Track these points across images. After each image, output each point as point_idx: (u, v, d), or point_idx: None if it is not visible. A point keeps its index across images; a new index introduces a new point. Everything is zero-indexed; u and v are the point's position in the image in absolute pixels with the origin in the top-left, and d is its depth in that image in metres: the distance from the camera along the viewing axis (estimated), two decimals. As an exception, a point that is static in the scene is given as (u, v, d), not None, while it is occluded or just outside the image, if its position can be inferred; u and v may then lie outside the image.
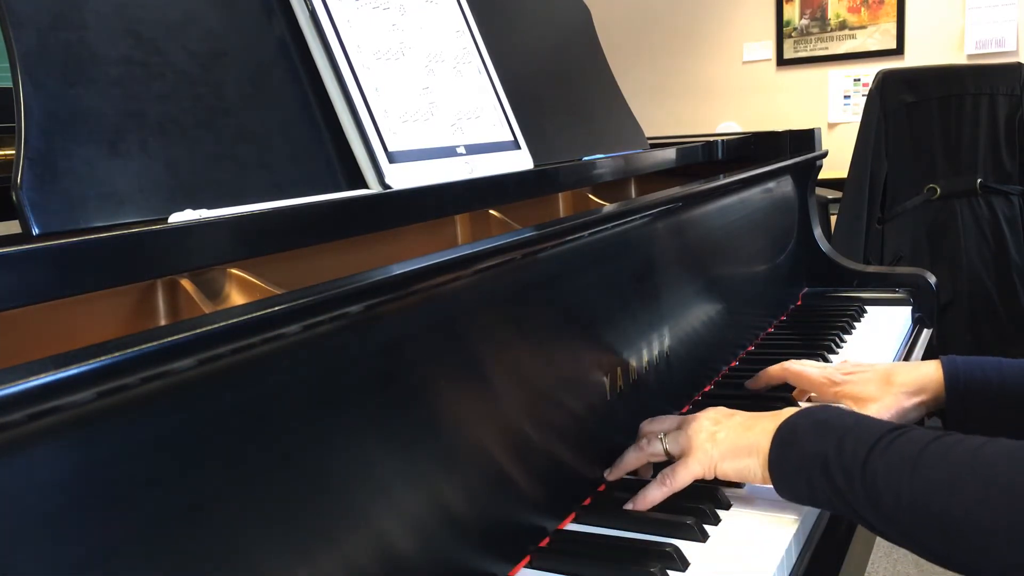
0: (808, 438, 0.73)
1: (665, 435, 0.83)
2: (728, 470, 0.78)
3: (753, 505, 0.79)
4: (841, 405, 0.94)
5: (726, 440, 0.79)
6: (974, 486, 0.62)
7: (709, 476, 0.79)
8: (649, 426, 0.87)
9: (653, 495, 0.79)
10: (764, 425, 0.77)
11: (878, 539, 0.76)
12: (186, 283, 0.60)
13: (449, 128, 0.86)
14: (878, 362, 1.03)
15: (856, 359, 1.12)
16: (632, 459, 0.85)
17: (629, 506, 0.79)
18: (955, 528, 0.62)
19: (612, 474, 0.85)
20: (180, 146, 0.63)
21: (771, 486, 0.76)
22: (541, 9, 1.19)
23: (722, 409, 0.84)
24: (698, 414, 0.84)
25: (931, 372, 0.94)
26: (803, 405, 0.79)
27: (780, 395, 1.05)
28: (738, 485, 0.82)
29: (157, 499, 0.44)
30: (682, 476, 0.79)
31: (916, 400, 0.94)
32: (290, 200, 0.67)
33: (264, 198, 0.66)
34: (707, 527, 0.75)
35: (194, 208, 0.61)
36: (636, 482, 0.85)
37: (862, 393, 0.96)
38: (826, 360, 1.19)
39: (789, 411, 0.78)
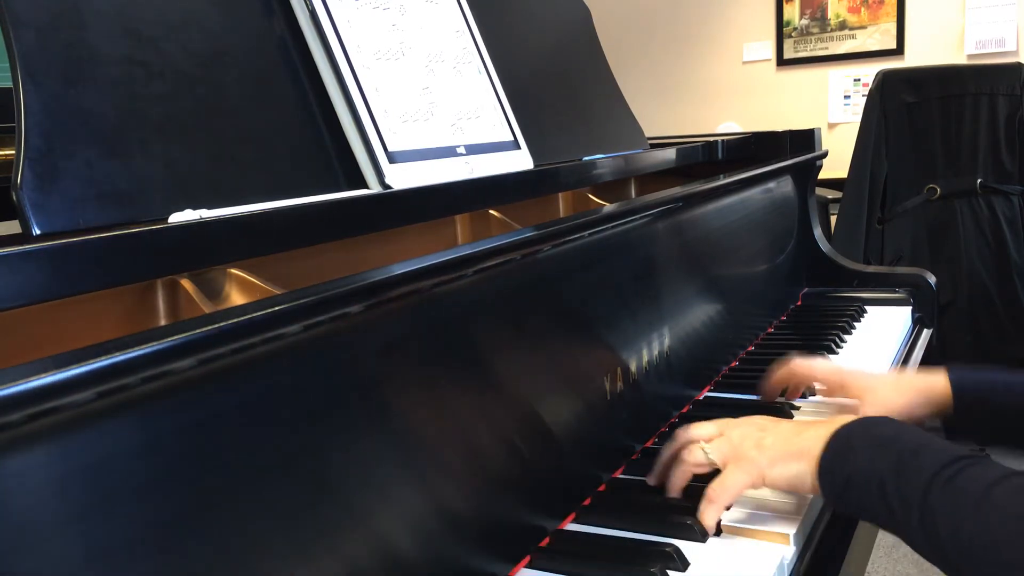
0: (865, 452, 0.70)
1: (707, 443, 0.78)
2: (777, 478, 0.74)
3: (753, 506, 0.79)
4: (848, 400, 0.96)
5: (774, 447, 0.75)
6: None
7: (758, 485, 0.75)
8: (687, 433, 0.81)
9: (709, 515, 0.74)
10: (816, 431, 0.74)
11: (878, 539, 0.76)
12: (186, 283, 0.60)
13: (449, 128, 0.85)
14: (884, 372, 1.04)
15: (856, 361, 1.11)
16: (678, 478, 0.79)
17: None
18: (1014, 573, 0.59)
19: (652, 479, 0.82)
20: (180, 146, 0.63)
21: (816, 495, 0.73)
22: (541, 9, 1.19)
23: (767, 417, 0.81)
24: (740, 420, 0.81)
25: (939, 380, 0.94)
26: (850, 417, 0.76)
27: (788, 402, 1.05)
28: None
29: (157, 499, 0.44)
30: (730, 487, 0.74)
31: (921, 402, 0.94)
32: (290, 200, 0.67)
33: (264, 198, 0.66)
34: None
35: (194, 208, 0.60)
36: (634, 481, 0.85)
37: (868, 384, 0.97)
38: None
39: (844, 418, 0.74)
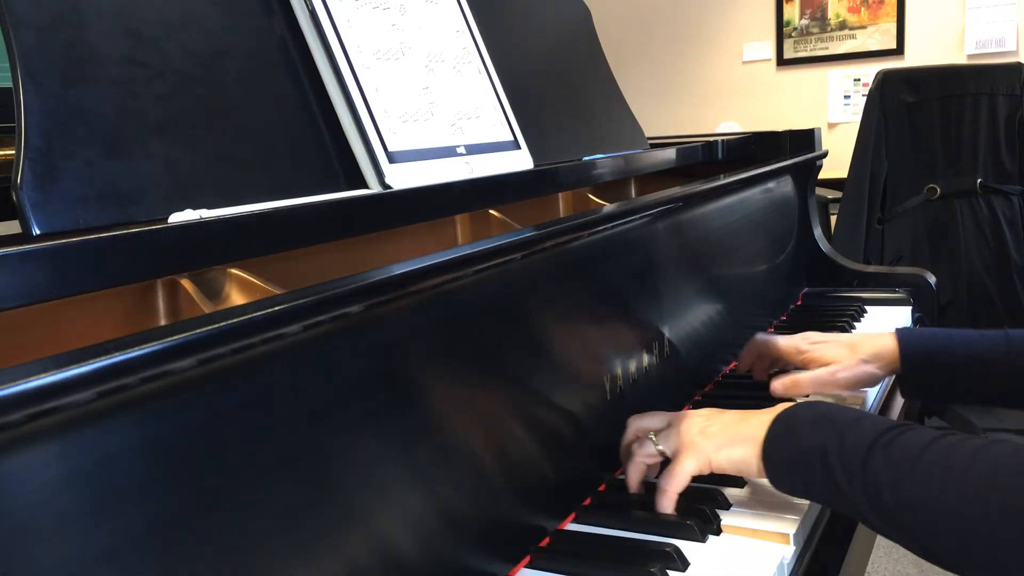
0: (807, 430, 0.72)
1: (656, 434, 0.81)
2: (723, 461, 0.77)
3: (753, 506, 0.79)
4: (809, 373, 1.01)
5: (719, 432, 0.78)
6: (975, 485, 0.61)
7: (705, 470, 0.78)
8: (637, 422, 0.85)
9: (664, 504, 0.77)
10: (760, 417, 0.77)
11: (878, 539, 0.76)
12: (186, 283, 0.60)
13: (449, 128, 0.86)
14: (841, 335, 1.10)
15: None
16: (633, 473, 0.82)
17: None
18: (955, 527, 0.62)
19: (634, 491, 0.83)
20: (180, 146, 0.63)
21: (766, 480, 0.75)
22: (541, 9, 1.19)
23: (713, 408, 0.83)
24: (687, 411, 0.83)
25: (888, 343, 1.01)
26: (790, 403, 0.79)
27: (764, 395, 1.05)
28: (738, 484, 0.82)
29: (157, 499, 0.44)
30: (679, 475, 0.77)
31: (874, 365, 1.00)
32: (290, 200, 0.67)
33: (264, 198, 0.66)
34: (707, 527, 0.75)
35: (194, 208, 0.60)
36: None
37: (825, 356, 1.02)
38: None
39: (785, 404, 0.77)
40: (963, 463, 0.63)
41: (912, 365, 1.00)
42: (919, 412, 3.16)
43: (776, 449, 0.74)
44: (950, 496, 0.62)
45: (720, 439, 0.77)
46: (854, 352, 1.01)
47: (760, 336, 1.11)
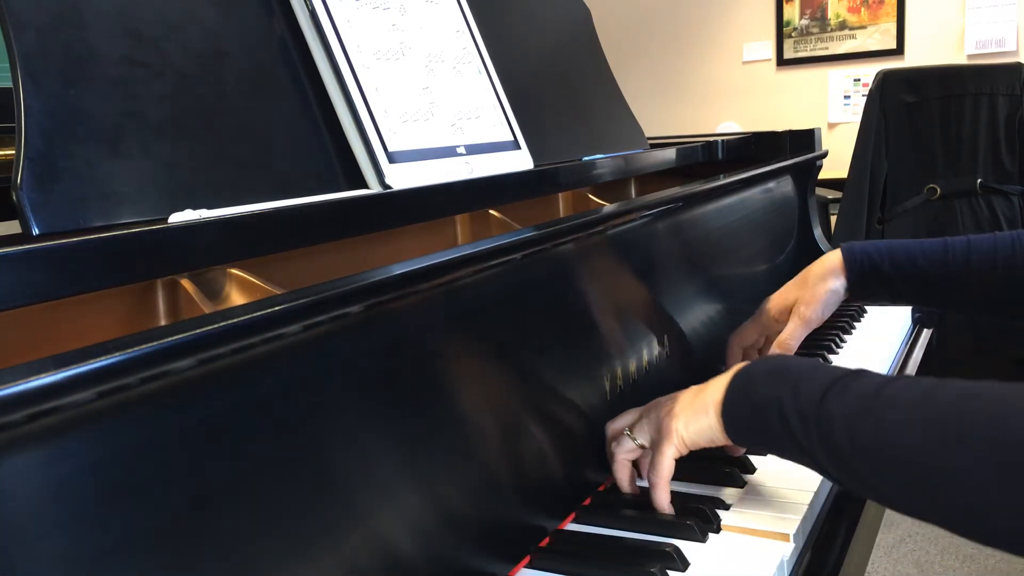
0: (763, 382, 0.72)
1: (631, 429, 0.81)
2: (695, 436, 0.77)
3: (753, 505, 0.79)
4: (784, 330, 1.05)
5: (684, 408, 0.78)
6: (925, 426, 0.61)
7: (683, 450, 0.77)
8: (612, 425, 0.85)
9: (659, 498, 0.77)
10: (717, 382, 0.77)
11: (878, 539, 0.76)
12: (186, 283, 0.60)
13: (449, 128, 0.86)
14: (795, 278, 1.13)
15: (856, 362, 1.15)
16: (620, 473, 0.82)
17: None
18: (908, 469, 0.61)
19: (628, 491, 0.83)
20: (180, 146, 0.63)
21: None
22: (541, 9, 1.19)
23: (674, 394, 0.83)
24: (648, 407, 0.83)
25: (833, 256, 1.07)
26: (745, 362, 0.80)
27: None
28: (738, 484, 0.82)
29: (157, 499, 0.44)
30: (662, 464, 0.77)
31: (830, 283, 1.05)
32: (290, 200, 0.67)
33: (264, 198, 0.66)
34: (707, 527, 0.75)
35: (194, 208, 0.61)
36: (637, 486, 0.85)
37: (787, 301, 1.07)
38: (825, 360, 1.19)
39: (741, 364, 0.78)
40: (913, 406, 0.62)
41: (857, 276, 1.05)
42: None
43: (733, 407, 0.74)
44: (904, 437, 0.61)
45: (686, 415, 0.77)
46: (806, 282, 1.07)
47: (733, 338, 1.12)
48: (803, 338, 1.05)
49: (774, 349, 1.04)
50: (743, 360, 1.12)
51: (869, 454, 0.63)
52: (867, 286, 1.06)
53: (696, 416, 0.77)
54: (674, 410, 0.78)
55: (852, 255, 1.06)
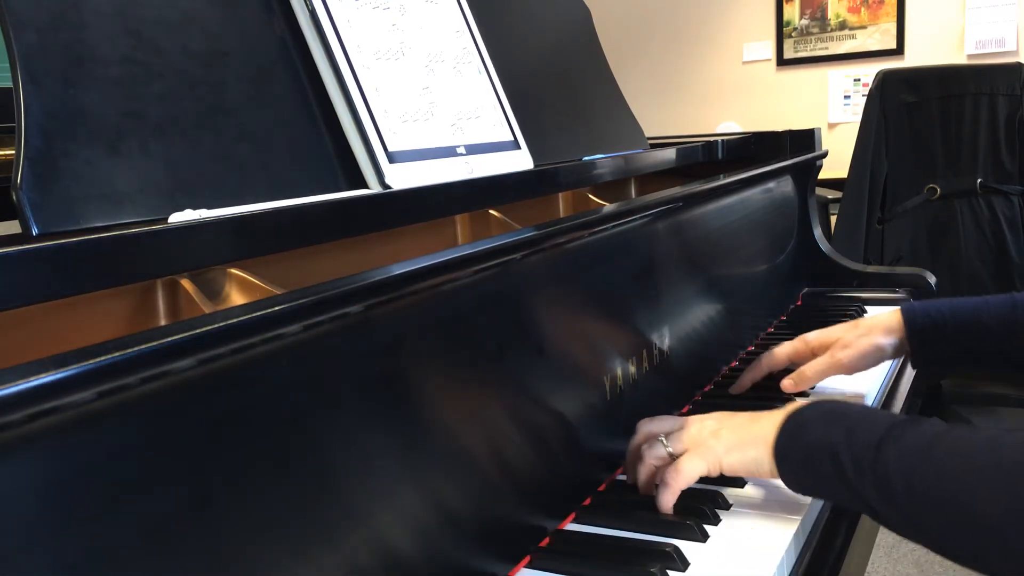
0: (817, 427, 0.72)
1: (667, 436, 0.80)
2: (734, 463, 0.76)
3: (753, 506, 0.79)
4: (813, 362, 1.02)
5: (731, 434, 0.77)
6: (986, 474, 0.60)
7: (715, 472, 0.77)
8: (648, 426, 0.84)
9: (666, 501, 0.76)
10: (770, 418, 0.76)
11: (878, 539, 0.76)
12: (186, 283, 0.60)
13: (449, 128, 0.86)
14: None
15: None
16: (643, 474, 0.81)
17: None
18: (965, 517, 0.61)
19: (644, 492, 0.82)
20: (180, 146, 0.63)
21: (777, 481, 0.75)
22: (541, 9, 1.19)
23: (723, 412, 0.83)
24: (698, 415, 0.83)
25: (893, 316, 1.02)
26: (802, 401, 0.79)
27: (779, 396, 1.05)
28: (738, 484, 0.82)
29: (157, 499, 0.44)
30: (685, 473, 0.76)
31: (880, 338, 1.00)
32: (290, 200, 0.67)
33: (264, 198, 0.66)
34: (707, 527, 0.75)
35: (194, 208, 0.61)
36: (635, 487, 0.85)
37: (830, 338, 1.03)
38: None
39: (797, 404, 0.77)
40: (976, 454, 0.62)
41: (919, 337, 0.99)
42: (919, 412, 3.16)
43: (787, 448, 0.73)
44: (963, 488, 0.61)
45: (731, 440, 0.76)
46: (856, 329, 1.01)
47: (765, 355, 1.08)
48: (826, 378, 1.02)
49: (792, 376, 1.01)
50: (751, 383, 1.09)
51: (928, 502, 0.62)
52: (929, 349, 0.99)
53: (743, 447, 0.76)
54: (720, 433, 0.78)
55: (912, 314, 1.00)
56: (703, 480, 0.80)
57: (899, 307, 1.02)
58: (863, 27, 4.04)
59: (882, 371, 1.18)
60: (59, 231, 0.54)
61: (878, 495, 0.66)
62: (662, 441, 0.80)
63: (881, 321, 1.01)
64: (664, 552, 0.70)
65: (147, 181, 0.60)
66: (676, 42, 4.49)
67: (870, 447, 0.67)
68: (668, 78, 4.51)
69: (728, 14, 4.36)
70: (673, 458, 0.79)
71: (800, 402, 0.77)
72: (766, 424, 0.76)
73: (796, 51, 4.20)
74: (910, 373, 1.21)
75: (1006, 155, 2.66)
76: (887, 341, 1.00)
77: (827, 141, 1.70)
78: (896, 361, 1.25)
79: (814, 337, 1.05)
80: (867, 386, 1.10)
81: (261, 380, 0.50)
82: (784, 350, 1.07)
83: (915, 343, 0.99)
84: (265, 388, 0.50)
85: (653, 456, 0.80)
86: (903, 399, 1.13)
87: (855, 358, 1.00)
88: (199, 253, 0.57)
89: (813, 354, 1.04)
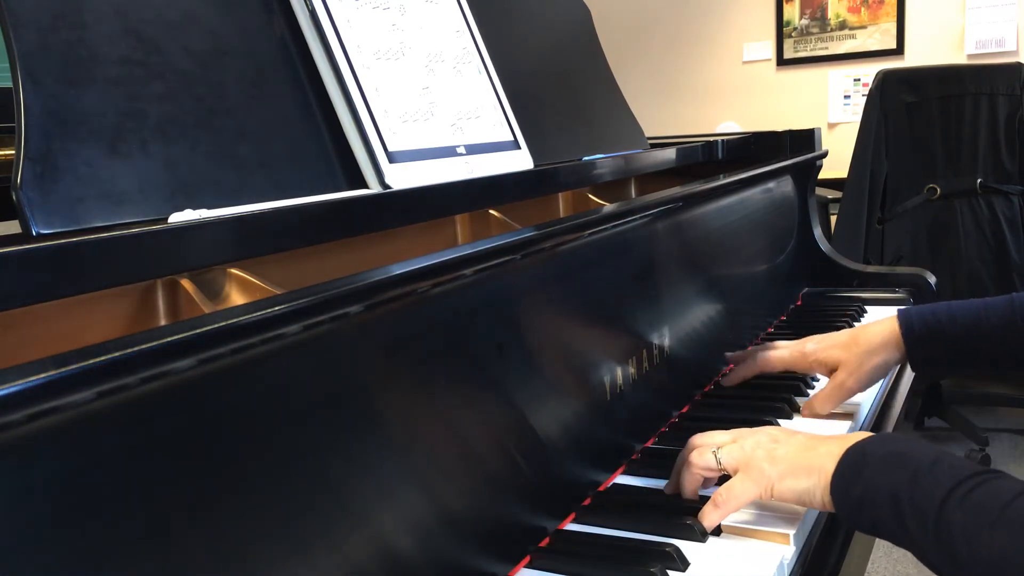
0: (879, 467, 0.68)
1: (719, 448, 0.78)
2: (786, 492, 0.73)
3: (754, 506, 0.79)
4: (819, 393, 1.00)
5: (786, 459, 0.74)
6: None
7: (766, 497, 0.74)
8: (702, 438, 0.81)
9: (711, 519, 0.74)
10: (828, 447, 0.73)
11: (877, 540, 0.76)
12: (186, 283, 0.60)
13: (449, 128, 0.86)
14: (843, 331, 1.07)
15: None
16: (689, 483, 0.79)
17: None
18: None
19: (668, 488, 0.82)
20: (180, 146, 0.63)
21: (826, 510, 0.73)
22: (541, 9, 1.19)
23: (782, 428, 0.81)
24: (754, 429, 0.80)
25: (889, 326, 1.00)
26: (864, 434, 0.74)
27: (776, 395, 1.05)
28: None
29: (157, 499, 0.44)
30: (739, 496, 0.74)
31: (881, 357, 0.99)
32: (290, 200, 0.67)
33: (264, 198, 0.66)
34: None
35: (194, 208, 0.61)
36: (637, 486, 0.85)
37: (830, 358, 1.01)
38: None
39: (858, 435, 0.73)
40: None
41: (918, 345, 0.98)
42: (919, 412, 3.15)
43: (845, 485, 0.70)
44: None
45: (785, 467, 0.73)
46: (856, 347, 1.00)
47: (760, 354, 1.07)
48: (835, 407, 1.00)
49: (803, 412, 1.00)
50: (741, 380, 1.08)
51: (991, 570, 0.60)
52: (929, 356, 0.98)
53: (797, 476, 0.73)
54: (776, 454, 0.75)
55: (909, 323, 0.99)
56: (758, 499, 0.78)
57: (895, 315, 1.01)
58: (863, 27, 4.04)
59: (882, 371, 1.18)
60: (59, 231, 0.54)
61: (938, 552, 0.63)
62: (714, 453, 0.78)
63: (880, 336, 1.00)
64: (664, 552, 0.70)
65: (147, 181, 0.60)
66: (676, 42, 4.49)
67: (933, 502, 0.63)
68: (668, 78, 4.51)
69: (728, 14, 4.36)
70: (721, 471, 0.78)
71: (862, 435, 0.73)
72: (824, 454, 0.72)
73: (796, 51, 4.20)
74: (910, 374, 1.21)
75: (1006, 155, 2.66)
76: (890, 357, 1.00)
77: (827, 141, 1.70)
78: (896, 361, 1.25)
79: (812, 351, 1.03)
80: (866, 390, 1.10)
81: (261, 380, 0.50)
82: (781, 357, 1.06)
83: (914, 350, 0.99)
84: (265, 388, 0.50)
85: (701, 465, 0.78)
86: (902, 400, 1.13)
87: (863, 382, 0.99)
88: (199, 253, 0.57)
89: (810, 368, 1.04)
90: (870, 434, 0.74)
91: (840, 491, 0.70)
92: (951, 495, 0.63)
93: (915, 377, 1.21)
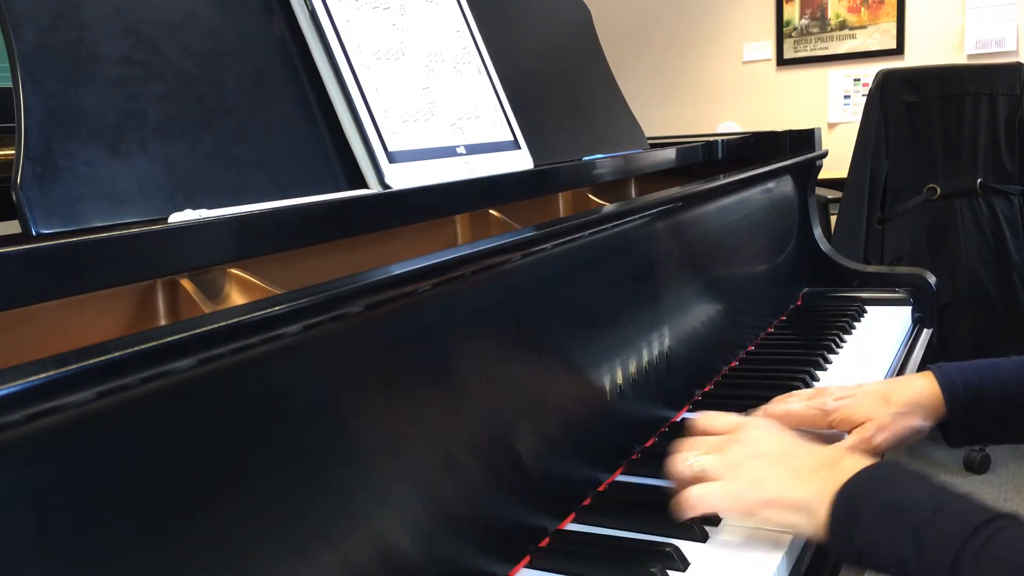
0: (878, 527, 0.63)
1: (702, 460, 0.74)
2: (771, 521, 0.70)
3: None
4: (845, 435, 0.87)
5: (772, 486, 0.70)
6: None
7: (745, 517, 0.72)
8: (704, 421, 0.78)
9: (680, 513, 0.72)
10: (822, 482, 0.67)
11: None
12: (186, 283, 0.61)
13: (449, 128, 0.86)
14: (865, 382, 0.95)
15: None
16: (674, 476, 0.76)
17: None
18: None
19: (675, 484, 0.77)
20: (180, 146, 0.63)
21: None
22: (541, 9, 1.19)
23: (768, 432, 0.75)
24: (742, 435, 0.75)
25: (927, 386, 0.87)
26: (852, 467, 0.68)
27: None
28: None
29: (157, 499, 0.44)
30: (715, 505, 0.72)
31: (916, 416, 0.87)
32: (290, 200, 0.67)
33: (264, 198, 0.66)
34: (707, 527, 0.75)
35: (194, 208, 0.61)
36: (634, 481, 0.85)
37: (857, 415, 0.87)
38: (825, 360, 1.19)
39: (849, 467, 0.68)
40: None
41: (960, 409, 0.86)
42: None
43: (843, 534, 0.65)
44: None
45: (771, 495, 0.69)
46: (888, 404, 0.87)
47: (775, 407, 0.93)
48: None
49: None
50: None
51: None
52: (972, 424, 0.86)
53: (784, 510, 0.69)
54: (762, 480, 0.70)
55: (951, 383, 0.86)
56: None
57: (933, 374, 0.88)
58: (863, 27, 4.04)
59: (881, 372, 1.18)
60: (59, 231, 0.54)
61: None
62: (694, 461, 0.74)
63: (917, 396, 0.87)
64: (664, 552, 0.70)
65: (147, 181, 0.60)
66: (676, 42, 4.49)
67: (944, 562, 0.58)
68: (668, 78, 4.51)
69: (728, 14, 4.36)
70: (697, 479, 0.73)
71: (854, 463, 0.68)
72: (814, 490, 0.67)
73: (796, 51, 4.20)
74: (914, 365, 1.21)
75: (1006, 155, 2.66)
76: (926, 421, 0.87)
77: (827, 141, 1.70)
78: (896, 361, 1.25)
79: (835, 408, 0.89)
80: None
81: (261, 380, 0.50)
82: (795, 414, 0.91)
83: (956, 414, 0.86)
84: (265, 388, 0.50)
85: (686, 465, 0.74)
86: (915, 367, 1.13)
87: (891, 443, 0.86)
88: (199, 253, 0.57)
89: (830, 427, 0.89)
90: (862, 460, 0.69)
91: (838, 540, 0.65)
92: (962, 554, 0.58)
93: (917, 371, 1.20)
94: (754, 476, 0.71)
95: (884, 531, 0.62)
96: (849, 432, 0.87)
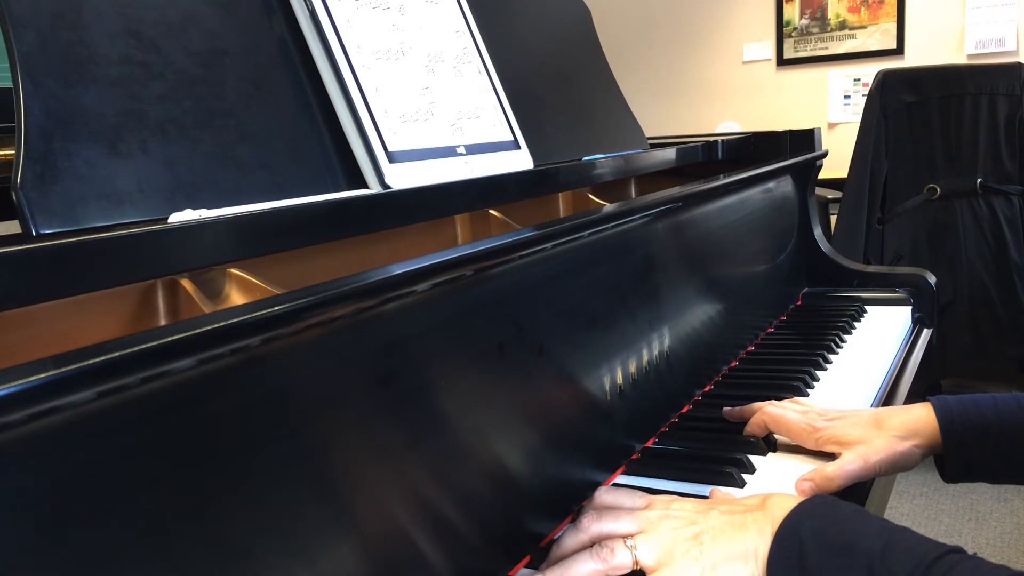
0: (822, 563, 0.60)
1: (634, 540, 0.68)
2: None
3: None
4: (838, 466, 0.82)
5: (714, 547, 0.66)
6: None
7: None
8: (599, 525, 0.70)
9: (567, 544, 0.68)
10: (757, 526, 0.66)
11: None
12: (186, 283, 0.61)
13: (449, 128, 0.86)
14: (862, 408, 0.93)
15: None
16: (570, 547, 0.70)
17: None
18: None
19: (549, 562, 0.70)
20: (180, 146, 0.63)
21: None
22: (541, 9, 1.19)
23: (691, 502, 0.72)
24: (667, 509, 0.71)
25: (923, 415, 0.85)
26: (782, 503, 0.67)
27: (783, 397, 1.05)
28: (738, 484, 0.82)
29: (156, 499, 0.44)
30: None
31: (909, 444, 0.84)
32: (290, 200, 0.67)
33: (264, 198, 0.66)
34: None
35: (194, 208, 0.61)
36: (633, 482, 0.85)
37: (847, 436, 0.85)
38: (825, 360, 1.19)
39: (781, 505, 0.66)
40: None
41: (956, 441, 0.83)
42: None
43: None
44: None
45: (716, 556, 0.66)
46: (882, 429, 0.84)
47: (772, 409, 0.92)
48: (849, 480, 0.82)
49: (815, 479, 0.80)
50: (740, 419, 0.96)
51: None
52: (968, 458, 0.83)
53: (733, 563, 0.65)
54: (702, 547, 0.66)
55: (948, 412, 0.84)
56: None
57: (931, 404, 0.86)
58: (863, 27, 4.04)
59: (881, 372, 1.18)
60: (59, 231, 0.54)
61: None
62: (628, 546, 0.67)
63: (911, 423, 0.85)
64: (664, 552, 0.70)
65: (147, 181, 0.60)
66: (676, 42, 4.49)
67: None
68: (668, 78, 4.51)
69: (728, 14, 4.36)
70: (637, 567, 0.67)
71: (787, 501, 0.67)
72: (753, 536, 0.66)
73: (796, 51, 4.21)
74: (910, 375, 1.21)
75: (1006, 155, 2.66)
76: (919, 448, 0.84)
77: (827, 141, 1.70)
78: (896, 361, 1.25)
79: (824, 428, 0.87)
80: (866, 390, 1.10)
81: (261, 380, 0.50)
82: (791, 422, 0.89)
83: (951, 444, 0.83)
84: (265, 388, 0.50)
85: (615, 565, 0.67)
86: (902, 402, 1.13)
87: (885, 466, 0.83)
88: (199, 253, 0.57)
89: (817, 446, 0.87)
90: (793, 498, 0.67)
91: None
92: None
93: (915, 379, 1.20)
94: (694, 550, 0.67)
95: (837, 569, 0.60)
96: (835, 454, 0.84)
